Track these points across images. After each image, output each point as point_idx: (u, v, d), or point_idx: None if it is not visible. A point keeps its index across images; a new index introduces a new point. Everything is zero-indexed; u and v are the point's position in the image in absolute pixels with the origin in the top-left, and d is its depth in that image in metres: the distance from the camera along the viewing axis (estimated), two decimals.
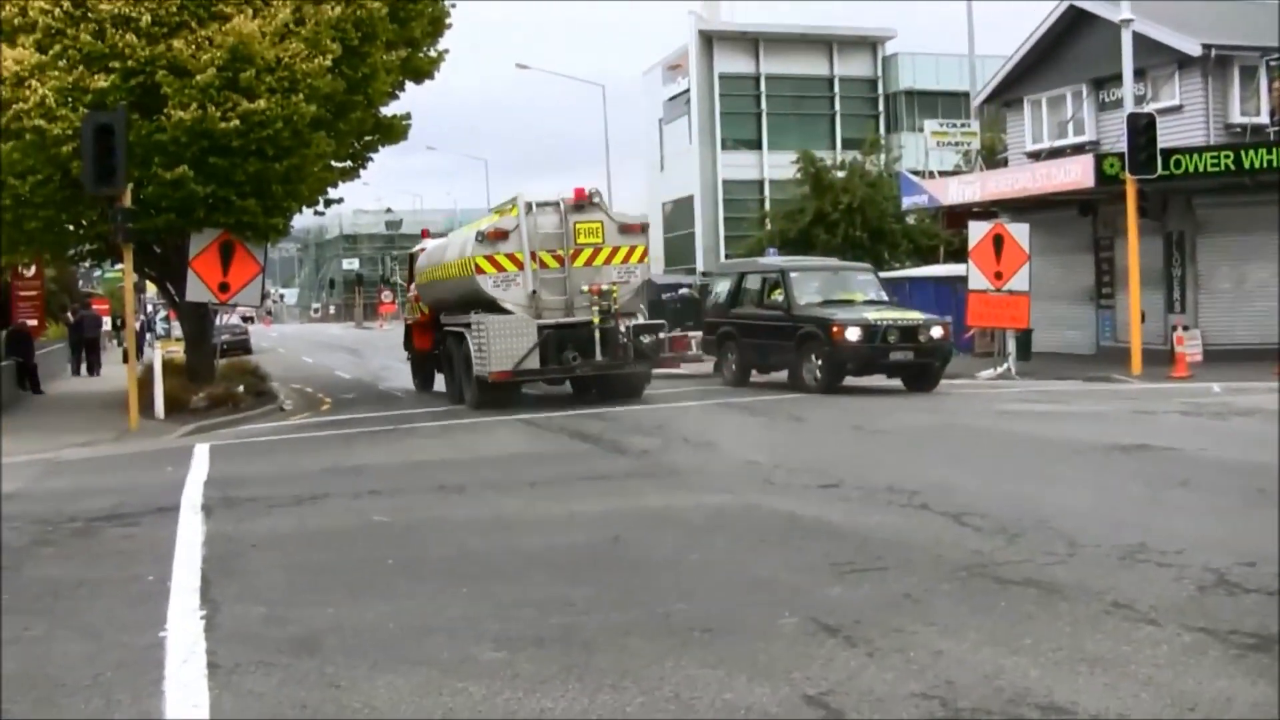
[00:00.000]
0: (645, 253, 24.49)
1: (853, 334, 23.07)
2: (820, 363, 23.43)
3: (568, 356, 23.13)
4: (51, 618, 8.02)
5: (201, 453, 17.85)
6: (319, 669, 6.51)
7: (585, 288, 23.24)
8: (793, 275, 25.49)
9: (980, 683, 5.91)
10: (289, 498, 12.84)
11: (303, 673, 6.46)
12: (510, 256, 23.24)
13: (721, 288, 28.46)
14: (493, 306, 23.37)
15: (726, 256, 61.84)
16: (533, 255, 23.24)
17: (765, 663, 6.33)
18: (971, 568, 8.26)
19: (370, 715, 5.80)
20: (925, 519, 10.12)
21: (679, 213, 72.13)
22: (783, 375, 25.45)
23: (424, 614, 7.67)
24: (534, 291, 23.23)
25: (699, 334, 29.12)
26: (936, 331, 23.56)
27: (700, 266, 65.76)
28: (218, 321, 29.01)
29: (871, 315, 23.62)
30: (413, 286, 30.94)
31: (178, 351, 30.92)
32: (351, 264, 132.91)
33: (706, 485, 12.59)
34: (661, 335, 24.34)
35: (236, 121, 23.03)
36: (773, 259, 30.79)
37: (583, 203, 23.69)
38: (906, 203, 38.60)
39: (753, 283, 26.84)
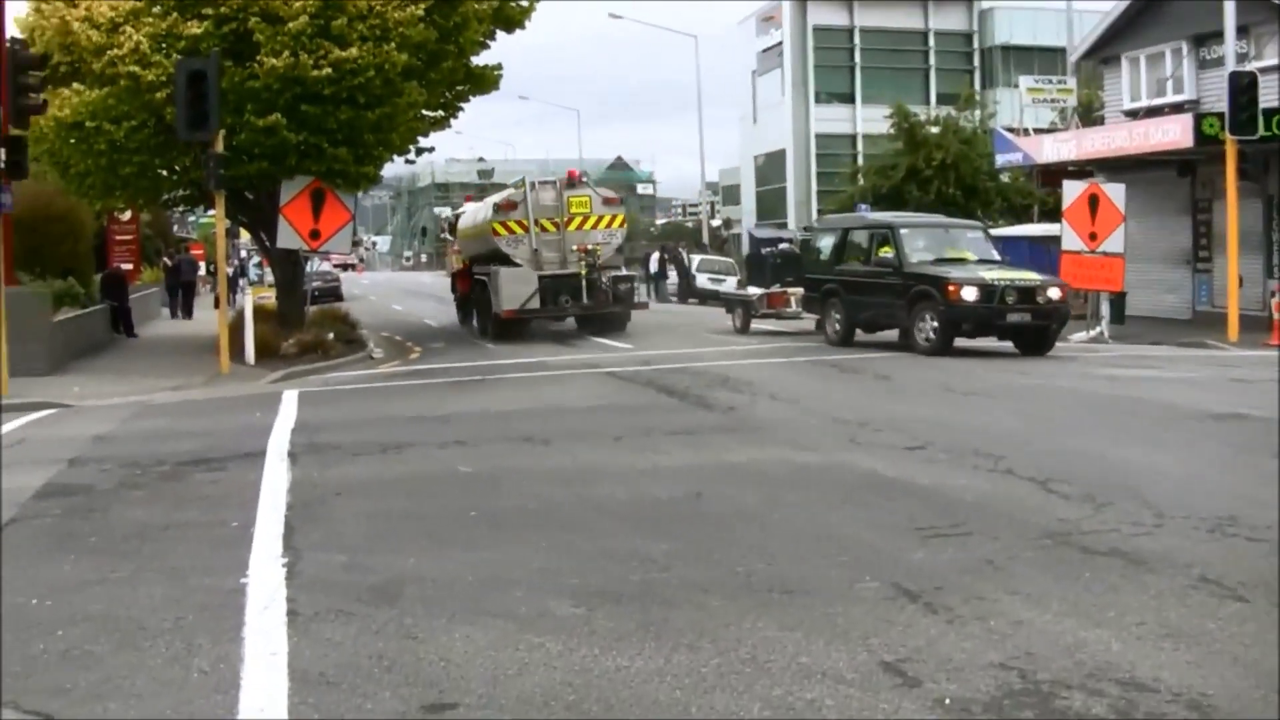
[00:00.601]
0: (624, 220, 32.15)
1: (969, 293, 22.36)
2: (935, 323, 22.66)
3: (561, 300, 29.94)
4: (138, 559, 8.14)
5: (290, 399, 18.01)
6: (397, 619, 6.54)
7: (575, 247, 29.90)
8: (903, 231, 24.59)
9: (1061, 655, 5.81)
10: (374, 446, 12.92)
11: (381, 622, 6.49)
12: (519, 223, 30.02)
13: (825, 243, 27.44)
14: (506, 260, 29.95)
15: (819, 212, 61.44)
16: (535, 222, 29.95)
17: (844, 626, 6.28)
18: (1056, 535, 8.14)
19: (446, 668, 5.81)
20: (1011, 484, 9.98)
21: (771, 166, 71.78)
22: (887, 335, 25.04)
23: (503, 566, 7.68)
24: (536, 250, 29.87)
25: (799, 290, 28.80)
26: (1054, 293, 22.85)
27: (792, 221, 65.40)
28: (308, 268, 29.24)
29: (989, 275, 22.87)
30: (455, 242, 38.42)
31: (270, 297, 31.26)
32: (443, 212, 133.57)
33: (791, 442, 12.50)
34: (635, 284, 32.27)
35: (328, 69, 23.22)
36: (882, 214, 30.17)
37: (574, 181, 30.90)
38: (1000, 160, 38.12)
39: (859, 238, 25.98)
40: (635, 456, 11.80)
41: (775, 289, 30.85)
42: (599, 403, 16.74)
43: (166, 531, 9.01)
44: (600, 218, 30.46)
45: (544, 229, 29.91)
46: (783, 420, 14.36)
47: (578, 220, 30.17)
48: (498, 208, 30.70)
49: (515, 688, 5.55)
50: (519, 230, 29.87)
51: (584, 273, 29.73)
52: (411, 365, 24.74)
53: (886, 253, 24.47)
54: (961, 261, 24.02)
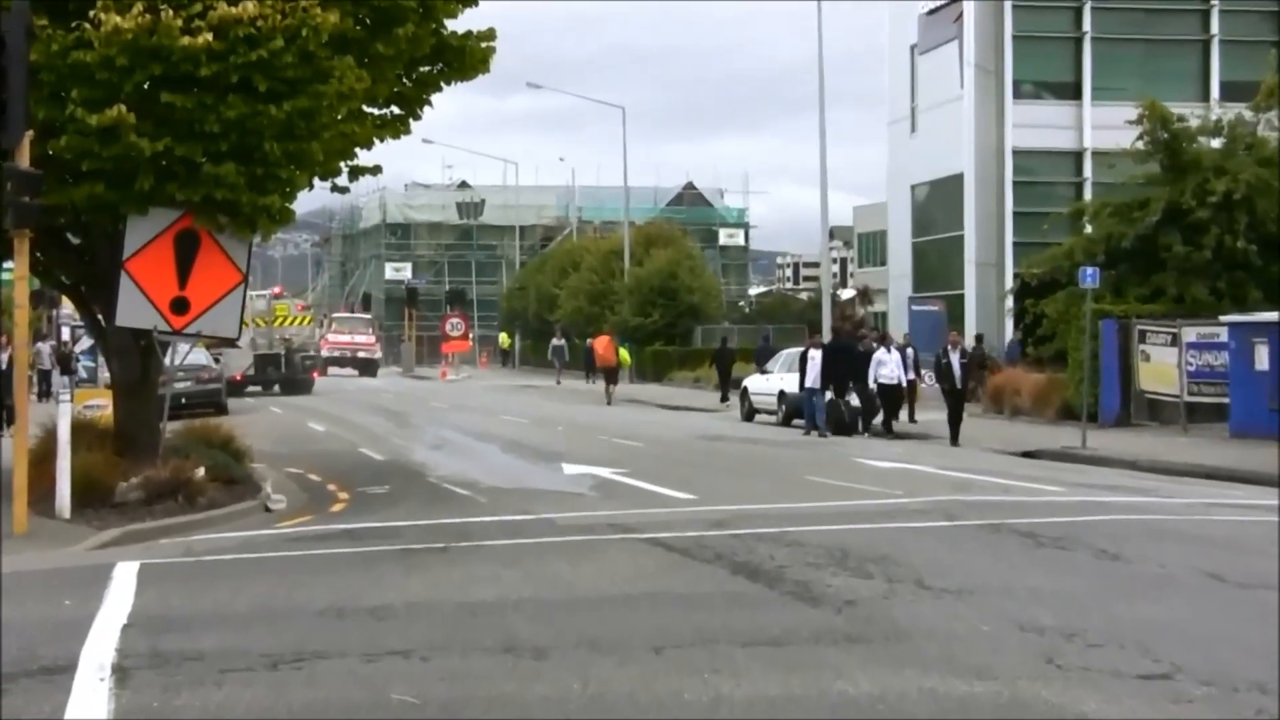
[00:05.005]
0: (310, 319, 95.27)
1: None
2: None
3: (268, 370, 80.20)
4: None
5: (125, 575, 18.16)
6: None
7: (278, 337, 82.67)
8: None
9: None
10: (260, 658, 13.05)
11: None
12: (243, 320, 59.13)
13: None
14: (234, 344, 57.27)
15: (1015, 273, 60.92)
16: (253, 320, 70.16)
17: None
18: None
19: None
20: None
21: (937, 201, 71.30)
22: None
23: None
24: (253, 338, 73.83)
25: None
26: None
27: (971, 291, 65.08)
28: (168, 360, 29.36)
29: None
30: None
31: (106, 406, 31.37)
32: (401, 270, 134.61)
33: (948, 662, 12.53)
34: (309, 361, 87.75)
35: (209, 36, 23.32)
36: None
37: (279, 296, 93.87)
38: None
39: None
40: (685, 681, 11.87)
41: None
42: (632, 590, 16.83)
43: None
44: (295, 318, 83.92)
45: (258, 325, 75.37)
46: (936, 625, 14.36)
47: (280, 320, 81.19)
48: None
49: None
50: (243, 325, 59.39)
51: (282, 353, 78.63)
52: (333, 522, 24.84)
53: None
54: None
